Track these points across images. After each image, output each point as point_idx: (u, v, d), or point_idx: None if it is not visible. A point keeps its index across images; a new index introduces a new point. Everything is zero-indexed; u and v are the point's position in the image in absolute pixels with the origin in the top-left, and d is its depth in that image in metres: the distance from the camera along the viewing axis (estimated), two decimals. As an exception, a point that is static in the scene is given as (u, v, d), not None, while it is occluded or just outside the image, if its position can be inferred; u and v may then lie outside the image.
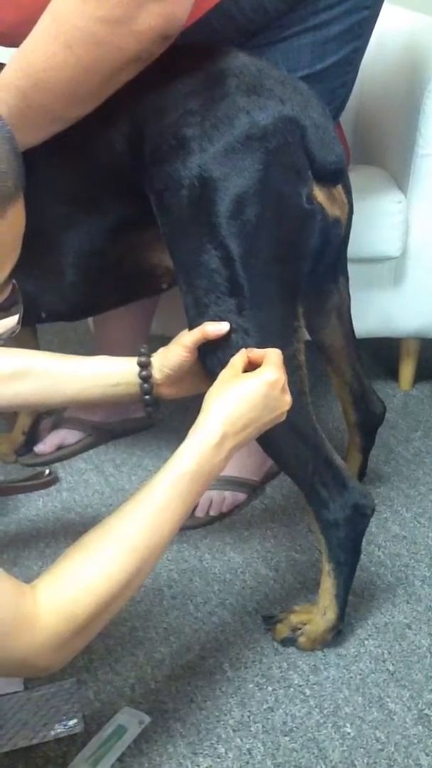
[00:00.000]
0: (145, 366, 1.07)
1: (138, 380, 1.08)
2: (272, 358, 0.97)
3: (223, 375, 0.97)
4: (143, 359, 1.07)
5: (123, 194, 1.11)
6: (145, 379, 1.08)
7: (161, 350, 1.09)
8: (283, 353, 1.03)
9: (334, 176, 1.09)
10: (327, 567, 1.13)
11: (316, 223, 1.06)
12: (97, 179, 1.11)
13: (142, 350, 1.09)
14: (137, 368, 1.07)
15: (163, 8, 0.92)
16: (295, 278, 1.07)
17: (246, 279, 1.02)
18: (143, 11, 0.91)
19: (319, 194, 1.06)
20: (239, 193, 1.00)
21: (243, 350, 1.00)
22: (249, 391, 0.93)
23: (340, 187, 1.12)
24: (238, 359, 0.99)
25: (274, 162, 1.01)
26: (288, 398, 0.96)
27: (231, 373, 0.96)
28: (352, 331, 1.31)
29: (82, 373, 1.08)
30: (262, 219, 1.01)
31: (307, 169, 1.04)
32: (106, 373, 1.08)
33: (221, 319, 1.04)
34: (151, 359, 1.08)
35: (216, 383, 0.96)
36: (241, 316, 1.03)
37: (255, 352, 0.99)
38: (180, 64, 1.04)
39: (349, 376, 1.34)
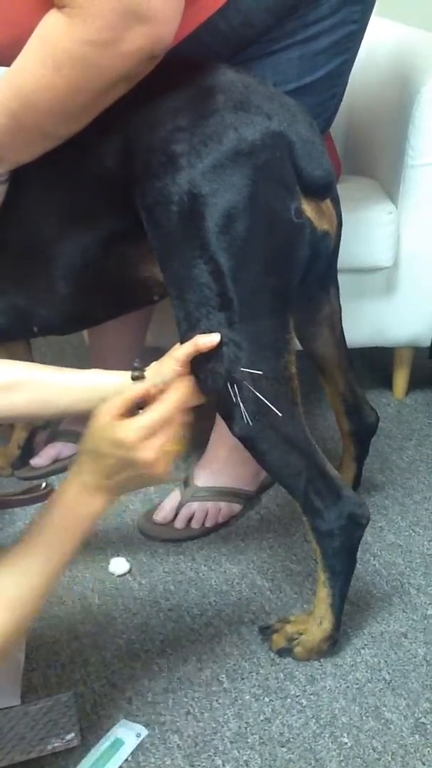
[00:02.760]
0: (138, 380, 1.08)
1: None
2: (155, 412, 0.97)
3: (94, 424, 0.97)
4: (137, 373, 1.08)
5: (114, 208, 1.11)
6: None
7: (154, 364, 1.09)
8: (274, 365, 1.03)
9: (323, 190, 1.10)
10: (322, 576, 1.13)
11: (304, 237, 1.07)
12: (89, 193, 1.12)
13: (136, 364, 1.09)
14: (131, 382, 1.08)
15: (149, 30, 0.93)
16: (285, 291, 1.07)
17: (235, 293, 1.03)
18: (130, 33, 0.92)
19: (308, 208, 1.07)
20: (228, 209, 1.01)
21: (129, 394, 0.99)
22: (100, 446, 0.95)
23: (328, 201, 1.13)
24: (120, 403, 0.98)
25: (262, 177, 1.02)
26: (148, 455, 0.95)
27: (106, 411, 0.96)
28: (344, 341, 1.32)
29: (76, 385, 1.09)
30: (251, 233, 1.02)
31: (295, 184, 1.05)
32: (100, 386, 1.08)
33: (212, 332, 1.04)
34: (145, 373, 1.09)
35: (90, 426, 0.97)
36: (232, 330, 1.04)
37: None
38: (170, 79, 1.05)
39: (341, 386, 1.34)
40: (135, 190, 1.06)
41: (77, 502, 0.96)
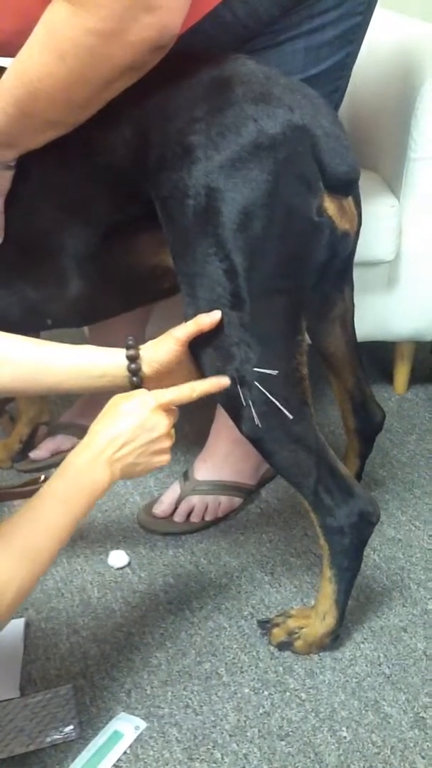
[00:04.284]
0: (134, 359, 1.05)
1: (126, 373, 1.05)
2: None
3: (112, 399, 1.02)
4: (132, 352, 1.05)
5: (122, 197, 1.10)
6: (135, 372, 1.05)
7: (150, 343, 1.06)
8: (285, 366, 1.02)
9: (347, 187, 1.07)
10: (328, 573, 1.13)
11: (324, 237, 1.04)
12: (94, 182, 1.10)
13: (130, 342, 1.06)
14: (125, 361, 1.05)
15: (155, 19, 0.92)
16: (300, 292, 1.05)
17: (249, 293, 1.01)
18: (136, 23, 0.91)
19: (330, 206, 1.04)
20: (246, 205, 0.98)
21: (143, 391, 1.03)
22: (117, 411, 0.99)
23: (350, 199, 1.10)
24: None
25: (283, 173, 0.99)
26: (164, 420, 1.00)
27: (120, 397, 1.02)
28: (355, 339, 1.30)
29: (65, 362, 1.06)
30: (269, 232, 0.99)
31: (318, 180, 1.02)
32: (90, 365, 1.06)
33: (223, 332, 1.02)
34: (140, 351, 1.06)
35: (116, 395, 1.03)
36: (244, 330, 1.02)
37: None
38: (185, 70, 1.03)
39: (350, 384, 1.33)
40: (148, 182, 1.04)
41: (85, 469, 0.96)
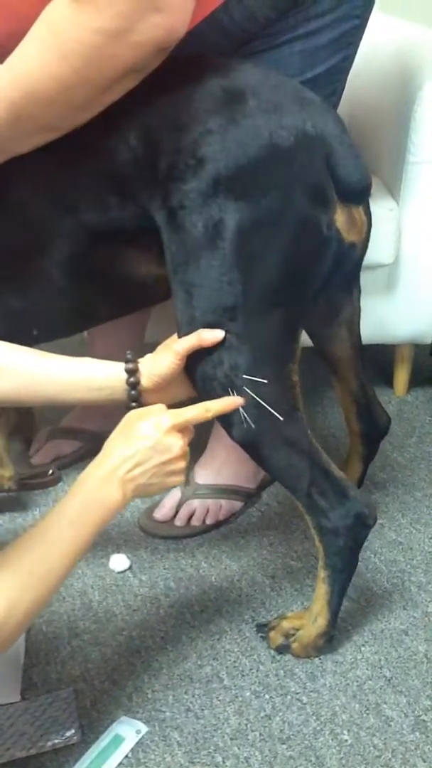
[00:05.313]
0: (133, 372, 1.05)
1: (125, 386, 1.05)
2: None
3: (127, 415, 1.02)
4: (131, 365, 1.05)
5: (115, 203, 1.09)
6: (134, 385, 1.05)
7: (149, 356, 1.07)
8: (277, 373, 1.03)
9: (359, 196, 1.07)
10: (323, 573, 1.13)
11: (330, 251, 1.04)
12: (88, 185, 1.10)
13: (129, 356, 1.06)
14: (124, 374, 1.05)
15: (163, 20, 0.91)
16: (299, 304, 1.05)
17: (247, 305, 1.01)
18: (143, 22, 0.90)
19: (340, 218, 1.04)
20: (256, 219, 0.98)
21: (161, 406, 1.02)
22: (131, 430, 0.99)
23: (361, 208, 1.10)
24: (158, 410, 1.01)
25: (297, 186, 0.99)
26: (178, 442, 0.99)
27: (135, 414, 1.01)
28: (360, 342, 1.30)
29: (64, 375, 1.06)
30: (276, 246, 1.00)
31: (331, 190, 1.02)
32: (90, 377, 1.06)
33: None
34: (139, 365, 1.07)
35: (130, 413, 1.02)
36: (237, 338, 1.02)
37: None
38: (194, 78, 1.02)
39: (354, 387, 1.32)
40: (153, 189, 1.04)
41: (98, 487, 0.96)
